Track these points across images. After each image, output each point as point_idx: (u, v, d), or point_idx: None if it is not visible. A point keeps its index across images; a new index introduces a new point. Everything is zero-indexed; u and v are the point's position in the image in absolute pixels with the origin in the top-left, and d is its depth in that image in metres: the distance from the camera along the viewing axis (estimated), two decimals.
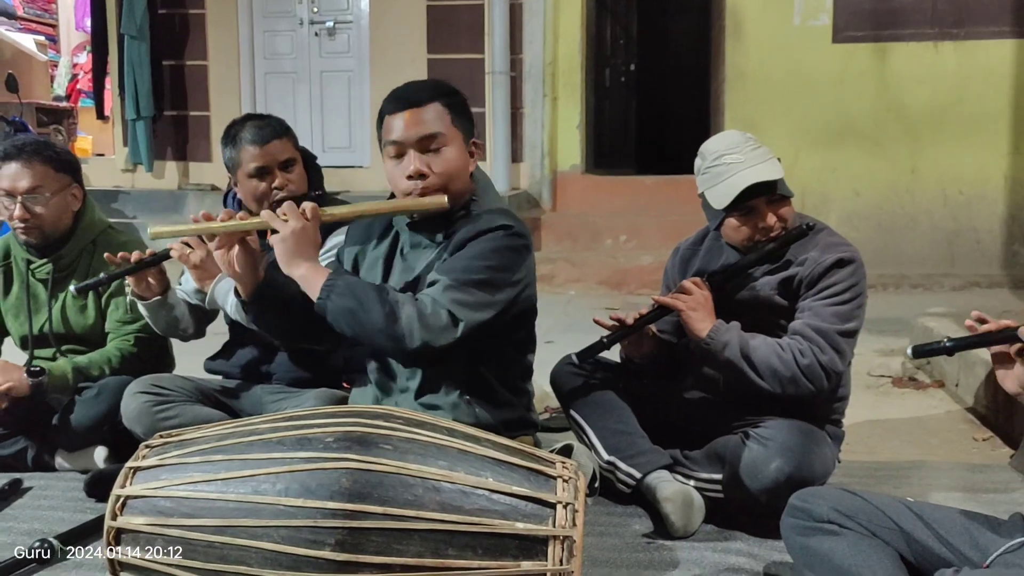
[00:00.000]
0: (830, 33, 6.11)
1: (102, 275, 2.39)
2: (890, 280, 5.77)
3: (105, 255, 2.40)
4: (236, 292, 2.05)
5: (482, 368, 2.06)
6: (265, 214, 1.96)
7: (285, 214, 1.92)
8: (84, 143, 9.04)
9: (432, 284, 1.94)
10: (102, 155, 8.49)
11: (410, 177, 1.98)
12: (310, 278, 1.92)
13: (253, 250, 1.98)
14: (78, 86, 10.40)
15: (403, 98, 2.02)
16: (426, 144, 1.99)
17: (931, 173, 6.04)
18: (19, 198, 2.56)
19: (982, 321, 1.64)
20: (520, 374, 2.20)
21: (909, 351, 1.72)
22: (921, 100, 6.00)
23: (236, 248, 1.96)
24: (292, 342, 2.22)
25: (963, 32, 5.95)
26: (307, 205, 1.94)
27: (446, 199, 1.96)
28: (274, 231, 1.93)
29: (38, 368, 2.49)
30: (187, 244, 2.27)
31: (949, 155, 5.98)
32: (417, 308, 1.87)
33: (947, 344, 1.65)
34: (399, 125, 2.00)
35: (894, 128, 6.05)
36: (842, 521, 1.67)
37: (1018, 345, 1.56)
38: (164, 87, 7.31)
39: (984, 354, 1.72)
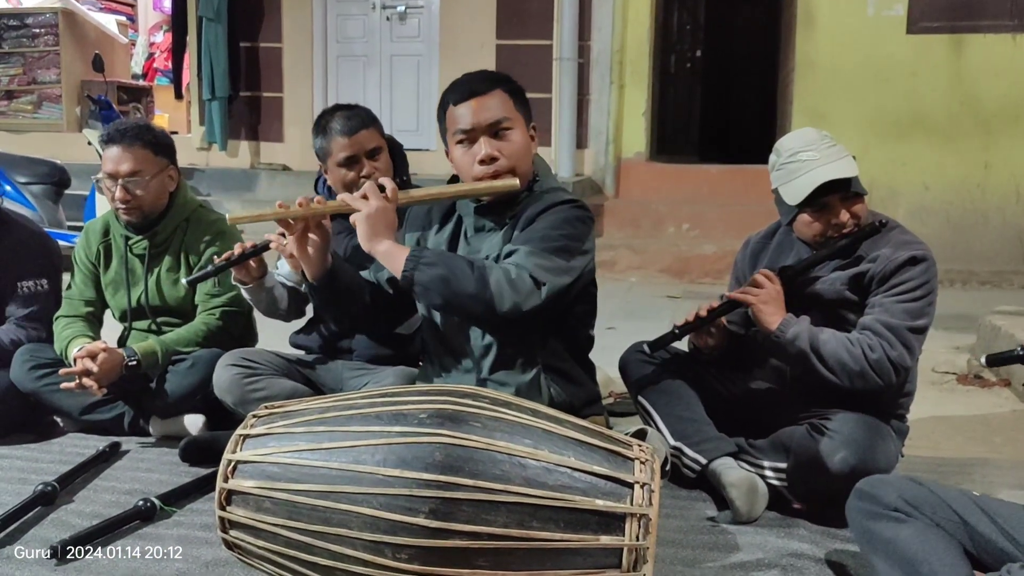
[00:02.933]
0: (904, 24, 6.03)
1: (209, 267, 2.50)
2: (958, 276, 5.71)
3: (222, 254, 2.52)
4: (304, 276, 2.13)
5: (553, 340, 2.17)
6: (345, 196, 2.04)
7: (366, 195, 2.01)
8: (160, 121, 9.31)
9: (509, 255, 2.03)
10: (176, 133, 8.74)
11: (482, 162, 2.08)
12: (393, 253, 2.00)
13: (327, 234, 2.06)
14: (154, 65, 10.69)
15: (467, 88, 2.13)
16: (495, 129, 2.10)
17: (1004, 168, 5.95)
18: (120, 181, 2.72)
19: None
20: (586, 347, 2.31)
21: (983, 360, 1.76)
22: (996, 93, 5.90)
23: (311, 232, 2.04)
24: (351, 326, 2.31)
25: None
26: (387, 183, 2.03)
27: (518, 181, 2.06)
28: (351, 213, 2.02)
29: (134, 362, 2.63)
30: (283, 235, 2.39)
31: (1023, 151, 5.88)
32: (504, 272, 1.95)
33: (1021, 352, 1.69)
34: (467, 113, 2.10)
35: (967, 122, 5.96)
36: (908, 510, 1.71)
37: None
38: (240, 68, 7.50)
39: None
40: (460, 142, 2.11)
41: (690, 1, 8.28)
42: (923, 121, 6.02)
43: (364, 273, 2.27)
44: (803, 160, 2.26)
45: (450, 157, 2.19)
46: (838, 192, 2.25)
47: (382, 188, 2.04)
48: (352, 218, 2.02)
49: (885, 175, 5.90)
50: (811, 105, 6.13)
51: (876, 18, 6.06)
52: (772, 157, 2.37)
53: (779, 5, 7.24)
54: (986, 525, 1.67)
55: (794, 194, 2.27)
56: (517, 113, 2.13)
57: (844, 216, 2.27)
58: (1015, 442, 2.96)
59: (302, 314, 2.74)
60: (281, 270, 2.64)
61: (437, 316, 2.21)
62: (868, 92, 6.07)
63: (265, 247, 2.44)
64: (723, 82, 9.02)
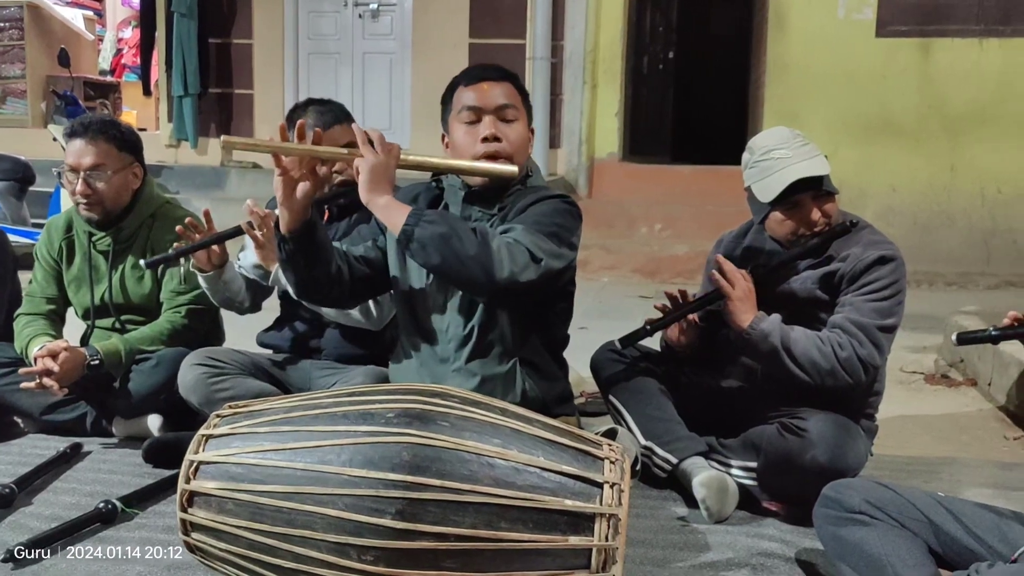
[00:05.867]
0: (874, 27, 6.09)
1: (171, 251, 2.48)
2: (924, 277, 5.77)
3: (177, 228, 2.49)
4: (276, 227, 2.05)
5: (531, 335, 2.16)
6: (358, 133, 1.97)
7: (372, 143, 1.96)
8: (129, 118, 9.19)
9: (505, 233, 2.01)
10: (144, 130, 8.63)
11: (485, 139, 2.10)
12: (392, 207, 1.97)
13: (319, 183, 1.99)
14: (122, 61, 10.56)
15: (480, 73, 2.18)
16: (502, 113, 2.13)
17: (970, 171, 6.02)
18: (82, 174, 2.67)
19: (1021, 320, 1.69)
20: (562, 345, 2.31)
21: (954, 338, 1.77)
22: (963, 97, 5.97)
23: (304, 178, 1.95)
24: (311, 293, 2.23)
25: (1009, 29, 5.91)
26: (392, 143, 2.01)
27: (516, 168, 2.05)
28: (343, 194, 1.98)
29: (97, 362, 2.58)
30: (251, 225, 2.35)
31: (989, 154, 5.95)
32: (504, 242, 1.94)
33: (992, 333, 1.70)
34: (478, 93, 2.13)
35: (934, 125, 6.03)
36: (873, 512, 1.72)
37: None
38: (210, 65, 7.42)
39: (1019, 354, 1.77)
40: (465, 121, 2.13)
41: (663, 2, 8.30)
42: (891, 123, 6.08)
43: (336, 244, 2.24)
44: (776, 158, 2.27)
45: (447, 140, 2.19)
46: (810, 191, 2.26)
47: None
48: (356, 163, 1.97)
49: (854, 176, 5.94)
50: (782, 107, 6.17)
51: (846, 21, 6.12)
52: (745, 155, 2.37)
53: (751, 8, 7.28)
54: (951, 524, 1.68)
55: (766, 192, 2.27)
56: (523, 108, 2.18)
57: (815, 215, 2.28)
58: (981, 441, 2.99)
59: (258, 308, 2.72)
60: (243, 261, 2.61)
61: (416, 298, 2.17)
62: (838, 94, 6.12)
63: (235, 232, 2.40)
64: (696, 83, 9.06)
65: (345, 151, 2.03)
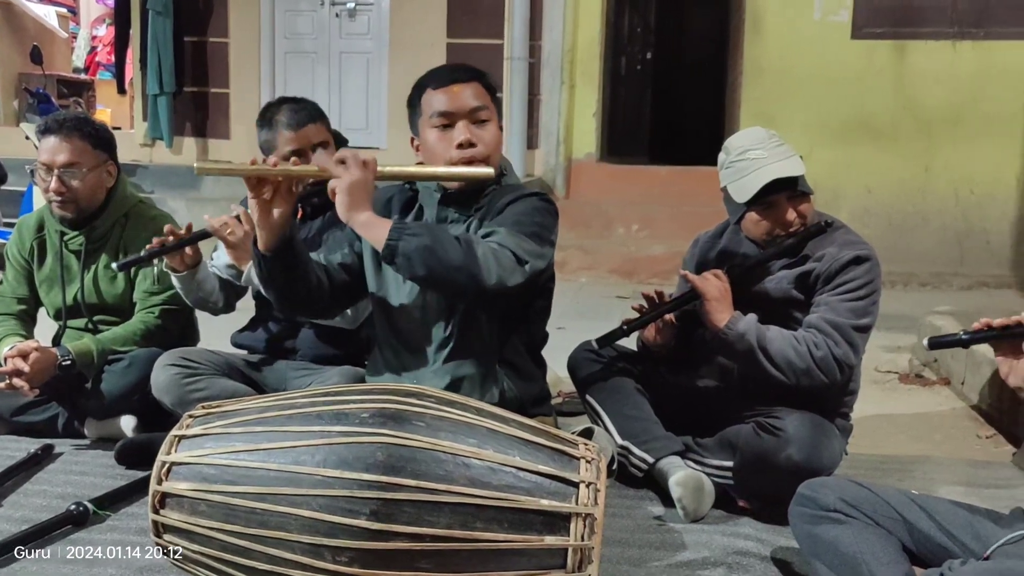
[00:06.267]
0: (849, 29, 6.13)
1: (143, 252, 2.46)
2: (899, 278, 5.81)
3: (154, 239, 2.46)
4: (254, 245, 2.04)
5: (511, 334, 2.15)
6: (326, 161, 1.97)
7: (343, 160, 1.94)
8: (103, 116, 9.10)
9: (487, 236, 2.00)
10: (119, 128, 8.54)
11: (460, 146, 2.07)
12: (374, 223, 1.95)
13: (294, 202, 1.99)
14: (97, 59, 10.45)
15: (448, 75, 2.14)
16: (475, 116, 2.10)
17: (944, 172, 6.08)
18: (56, 171, 2.63)
19: (992, 326, 1.70)
20: (540, 343, 2.31)
21: (925, 342, 1.78)
22: (937, 99, 6.03)
23: (279, 197, 1.94)
24: (293, 307, 2.24)
25: (982, 32, 5.97)
26: (367, 156, 1.99)
27: (492, 170, 2.05)
28: (317, 193, 1.96)
29: (68, 362, 2.55)
30: (226, 223, 2.33)
31: (963, 155, 6.01)
32: (489, 247, 1.93)
33: (963, 337, 1.72)
34: (449, 97, 2.10)
35: (909, 126, 6.08)
36: (847, 511, 1.73)
37: None
38: (185, 63, 7.36)
39: (991, 353, 1.78)
40: (437, 126, 2.10)
41: (641, 4, 8.32)
42: (867, 125, 6.12)
43: (313, 255, 2.22)
44: (751, 158, 2.28)
45: (418, 144, 2.17)
46: (785, 191, 2.27)
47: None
48: (331, 184, 1.95)
49: (830, 177, 5.98)
50: (759, 108, 6.20)
51: (822, 23, 6.16)
52: (721, 155, 2.38)
53: (728, 9, 7.32)
54: (925, 522, 1.69)
55: (742, 192, 2.28)
56: (493, 107, 2.15)
57: (791, 215, 2.29)
58: (954, 439, 3.02)
59: (232, 308, 2.70)
60: (216, 261, 2.59)
61: (393, 303, 2.17)
62: (814, 96, 6.16)
63: (204, 235, 2.38)
64: (673, 84, 9.09)
65: (316, 168, 2.00)
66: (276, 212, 1.96)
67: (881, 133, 6.11)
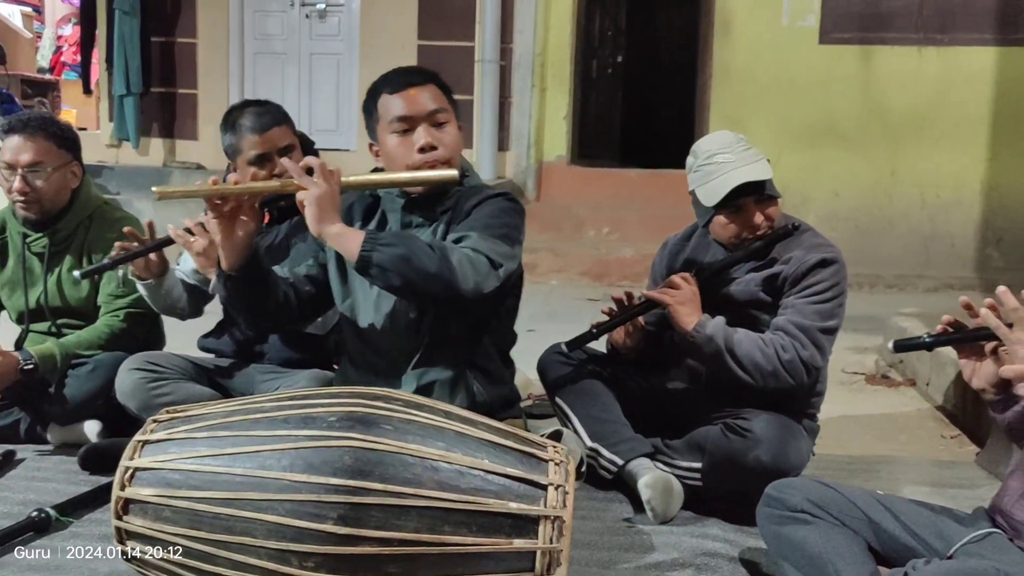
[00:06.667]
0: (817, 34, 6.19)
1: (105, 260, 2.43)
2: (865, 280, 5.88)
3: (116, 245, 2.42)
4: (219, 267, 2.03)
5: (480, 337, 2.15)
6: (293, 168, 1.94)
7: (309, 168, 1.92)
8: (68, 117, 8.98)
9: (455, 241, 1.99)
10: (85, 129, 8.44)
11: (422, 150, 2.06)
12: (346, 235, 1.93)
13: (259, 219, 1.98)
14: (62, 59, 10.31)
15: (404, 78, 2.11)
16: (434, 119, 2.09)
17: (910, 176, 6.15)
18: (20, 171, 2.59)
19: (955, 325, 1.73)
20: (510, 344, 2.30)
21: (890, 345, 1.80)
22: (903, 104, 6.10)
23: (243, 215, 1.93)
24: (261, 323, 2.23)
25: (947, 38, 6.06)
26: (332, 167, 1.97)
27: (456, 172, 2.04)
28: (282, 197, 1.95)
29: (31, 366, 2.51)
30: (189, 231, 2.31)
31: (928, 159, 6.09)
32: (463, 253, 1.92)
33: (927, 340, 1.74)
34: (407, 101, 2.08)
35: (875, 130, 6.15)
36: (814, 511, 1.75)
37: (993, 343, 1.65)
38: (152, 63, 7.28)
39: (955, 354, 1.80)
40: (396, 131, 2.08)
41: (611, 7, 8.36)
42: (834, 129, 6.19)
43: (276, 269, 2.21)
44: (719, 162, 2.29)
45: (377, 149, 2.15)
46: (753, 194, 2.28)
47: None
48: (299, 196, 1.93)
49: (797, 181, 6.04)
50: (728, 112, 6.24)
51: (790, 28, 6.21)
52: (689, 159, 2.39)
53: (697, 14, 7.37)
54: (890, 522, 1.71)
55: (710, 195, 2.29)
56: (451, 108, 2.14)
57: (758, 218, 2.31)
58: (919, 440, 3.05)
59: (200, 313, 2.67)
60: (183, 267, 2.57)
61: (361, 313, 2.15)
62: (782, 100, 6.21)
63: (168, 242, 2.36)
64: (644, 88, 9.13)
65: (278, 183, 1.97)
66: (240, 230, 1.94)
67: (848, 137, 6.18)
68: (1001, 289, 1.58)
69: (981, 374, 1.69)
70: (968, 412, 3.09)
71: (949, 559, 1.63)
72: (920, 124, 6.09)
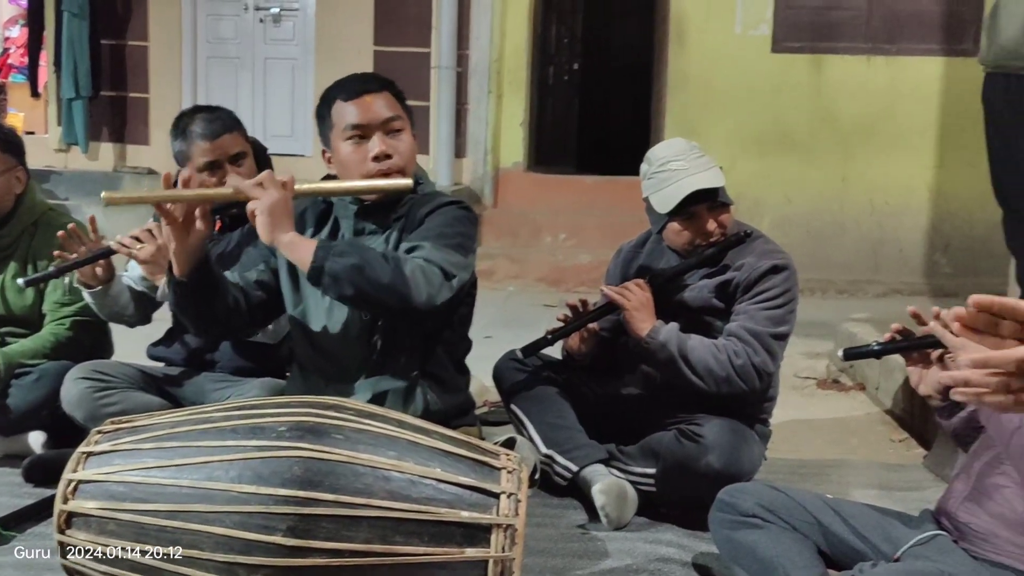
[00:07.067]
0: (769, 43, 6.27)
1: (51, 268, 2.38)
2: (817, 285, 5.96)
3: (55, 252, 2.37)
4: (170, 273, 1.98)
5: (434, 345, 2.14)
6: (240, 183, 1.92)
7: (262, 184, 1.90)
8: (15, 120, 8.77)
9: (409, 251, 1.98)
10: (33, 133, 8.25)
11: (376, 158, 2.04)
12: (298, 243, 1.91)
13: (211, 225, 1.94)
14: (9, 61, 10.07)
15: (358, 85, 2.09)
16: (389, 126, 2.07)
17: (860, 183, 6.25)
18: None
19: (903, 332, 1.76)
20: (464, 351, 2.29)
21: (840, 353, 1.83)
22: (853, 112, 6.20)
23: (196, 222, 1.89)
24: (211, 330, 2.19)
25: (895, 48, 6.17)
26: (284, 176, 1.94)
27: (411, 181, 2.03)
28: (235, 204, 1.93)
29: None
30: (136, 239, 2.26)
31: (877, 166, 6.20)
32: (417, 264, 1.90)
33: (875, 348, 1.77)
34: (361, 109, 2.05)
35: (827, 138, 6.24)
36: (765, 515, 1.77)
37: (939, 351, 1.68)
38: (102, 67, 7.15)
39: (903, 360, 1.84)
40: (350, 138, 2.06)
41: (567, 15, 8.40)
42: (787, 136, 6.27)
43: (227, 274, 2.17)
44: (673, 170, 2.31)
45: (330, 156, 2.13)
46: (706, 202, 2.30)
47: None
48: (250, 206, 1.90)
49: (751, 187, 6.10)
50: (684, 119, 6.30)
51: (743, 37, 6.29)
52: (643, 166, 2.41)
53: (653, 22, 7.43)
54: (839, 525, 1.73)
55: (664, 203, 2.31)
56: (405, 115, 2.12)
57: (711, 225, 2.33)
58: (869, 443, 3.10)
59: (148, 320, 2.62)
60: (130, 273, 2.52)
61: (312, 320, 2.13)
62: (736, 107, 6.28)
63: (110, 252, 2.32)
64: (600, 95, 9.19)
65: (231, 190, 1.94)
66: (192, 236, 1.91)
67: (800, 144, 6.27)
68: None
69: (928, 381, 1.73)
70: (916, 416, 3.15)
71: (896, 561, 1.66)
72: (869, 132, 6.20)
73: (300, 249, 1.90)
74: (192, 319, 2.08)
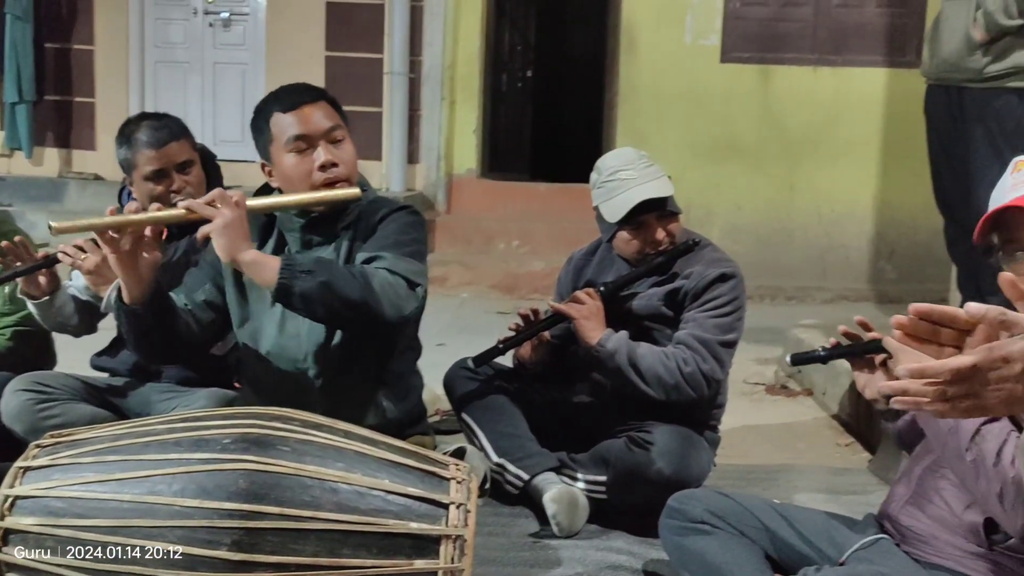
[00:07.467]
0: (718, 53, 6.35)
1: None
2: (767, 291, 6.05)
3: (3, 243, 2.32)
4: (119, 299, 1.96)
5: (389, 353, 2.13)
6: (193, 204, 1.89)
7: (214, 203, 1.87)
8: None
9: (368, 261, 1.96)
10: None
11: (323, 168, 2.02)
12: (261, 262, 1.88)
13: (161, 247, 1.92)
14: None
15: (295, 96, 2.06)
16: (332, 136, 2.05)
17: (807, 191, 6.36)
18: None
19: (849, 337, 1.79)
20: (416, 357, 2.29)
21: (788, 359, 1.86)
22: (800, 121, 6.31)
23: (145, 249, 1.87)
24: (161, 357, 2.19)
25: (840, 59, 6.30)
26: (236, 194, 1.92)
27: (359, 190, 2.01)
28: (190, 224, 1.90)
29: None
30: (80, 248, 2.22)
31: (824, 175, 6.31)
32: (383, 277, 1.89)
33: (821, 353, 1.80)
34: (302, 119, 2.03)
35: (775, 147, 6.34)
36: (714, 521, 1.78)
37: (883, 356, 1.71)
38: (46, 70, 7.01)
39: (848, 365, 1.87)
40: (294, 151, 2.03)
41: (521, 22, 8.43)
42: (736, 145, 6.36)
43: (173, 296, 2.14)
44: (622, 179, 2.33)
45: (271, 169, 2.09)
46: (655, 211, 2.33)
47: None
48: (204, 229, 1.87)
49: (702, 196, 6.18)
50: (635, 127, 6.35)
51: (693, 47, 6.36)
52: (593, 175, 2.42)
53: (605, 30, 7.49)
54: (785, 530, 1.75)
55: (613, 212, 2.33)
56: (343, 124, 2.10)
57: (660, 234, 2.36)
58: (816, 448, 3.15)
59: (93, 330, 2.57)
60: (75, 283, 2.47)
61: (263, 336, 2.11)
62: (687, 116, 6.35)
63: (54, 261, 2.27)
64: (554, 102, 9.23)
65: (182, 211, 1.91)
66: (143, 263, 1.87)
67: (749, 153, 6.35)
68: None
69: (873, 385, 1.76)
70: (861, 420, 3.20)
71: (841, 565, 1.68)
72: (816, 141, 6.31)
73: (264, 269, 1.88)
74: (143, 347, 2.05)
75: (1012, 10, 3.22)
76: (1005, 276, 1.04)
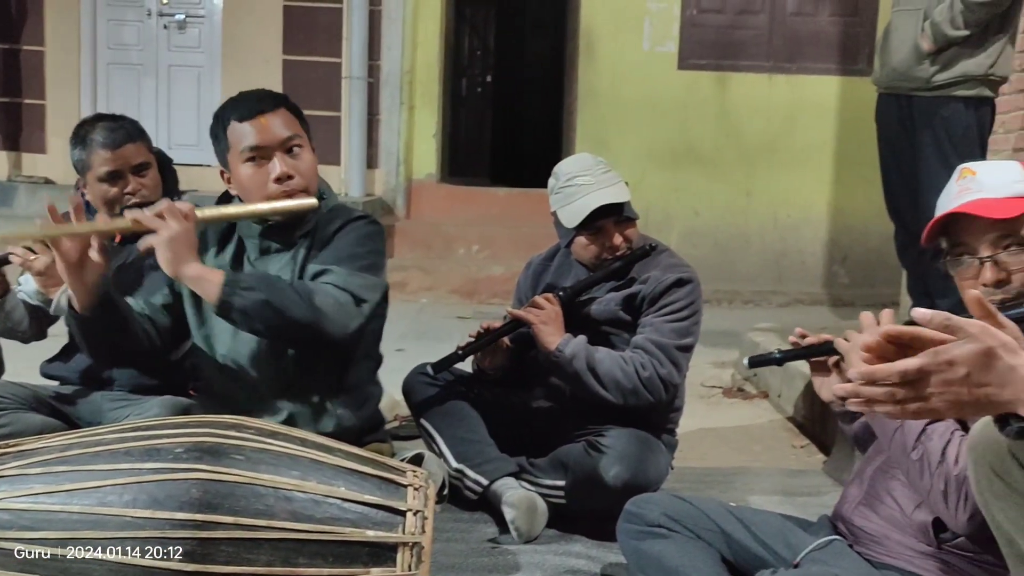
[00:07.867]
0: (676, 60, 6.42)
1: None
2: (724, 296, 6.12)
3: None
4: (71, 307, 1.93)
5: (346, 363, 2.11)
6: (138, 215, 1.87)
7: (162, 215, 1.84)
8: None
9: (318, 275, 1.95)
10: None
11: (279, 179, 1.99)
12: (205, 277, 1.86)
13: (108, 256, 1.88)
14: None
15: (253, 105, 2.03)
16: (288, 146, 2.02)
17: (764, 196, 6.45)
18: None
19: (804, 336, 1.81)
20: (376, 366, 2.27)
21: (745, 361, 1.88)
22: (756, 128, 6.39)
23: (92, 255, 1.83)
24: (117, 363, 2.16)
25: (795, 67, 6.40)
26: (184, 206, 1.89)
27: (315, 200, 1.99)
28: (135, 235, 1.88)
29: None
30: (30, 249, 2.18)
31: (779, 181, 6.40)
32: (327, 293, 1.87)
33: (777, 356, 1.82)
34: (258, 129, 2.00)
35: (731, 153, 6.42)
36: (671, 525, 1.79)
37: (835, 357, 1.74)
38: None
39: (803, 367, 1.91)
40: (249, 160, 2.00)
41: (480, 27, 8.45)
42: (693, 151, 6.42)
43: (131, 301, 2.10)
44: (579, 184, 2.34)
45: (229, 177, 2.07)
46: (612, 216, 2.34)
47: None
48: (148, 240, 1.84)
49: (661, 201, 6.23)
50: (594, 133, 6.39)
51: (651, 53, 6.42)
52: (551, 181, 2.43)
53: (564, 36, 7.52)
54: (741, 533, 1.77)
55: (571, 217, 2.34)
56: (304, 132, 2.07)
57: (617, 239, 2.37)
58: (772, 450, 3.19)
59: (44, 335, 2.52)
60: (24, 287, 2.42)
61: (218, 344, 2.08)
62: (645, 123, 6.40)
63: (4, 261, 2.23)
64: (513, 107, 9.26)
65: (129, 221, 1.87)
66: (89, 270, 1.84)
67: (706, 159, 6.42)
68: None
69: (827, 387, 1.78)
70: (816, 422, 3.25)
71: (795, 567, 1.70)
72: (772, 147, 6.40)
73: (206, 284, 1.86)
74: (97, 353, 2.03)
75: (958, 21, 3.30)
76: (972, 295, 1.07)
